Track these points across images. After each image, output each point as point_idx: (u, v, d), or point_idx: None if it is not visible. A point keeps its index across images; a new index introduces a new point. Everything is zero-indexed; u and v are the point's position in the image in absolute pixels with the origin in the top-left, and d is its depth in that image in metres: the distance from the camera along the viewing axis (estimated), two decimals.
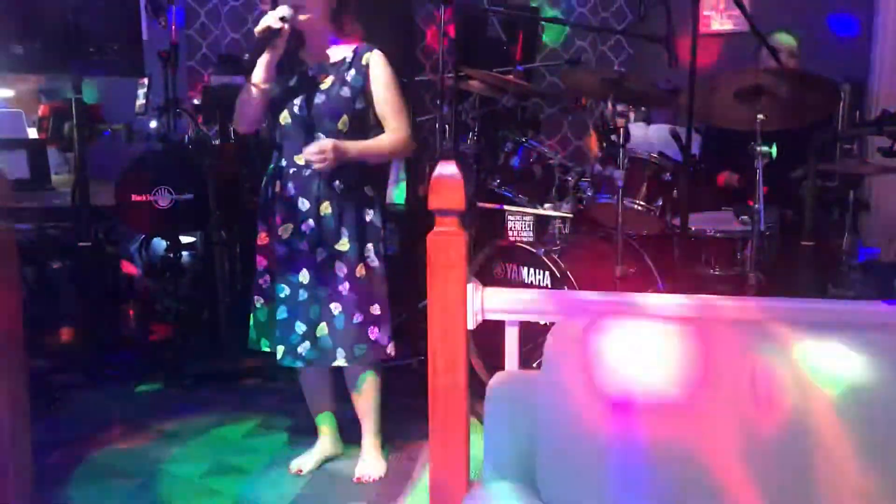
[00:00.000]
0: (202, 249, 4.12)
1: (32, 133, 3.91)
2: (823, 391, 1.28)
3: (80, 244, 3.50)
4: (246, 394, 3.48)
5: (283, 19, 2.40)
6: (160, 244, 4.00)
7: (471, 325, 1.59)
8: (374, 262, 2.57)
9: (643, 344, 1.35)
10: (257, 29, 2.43)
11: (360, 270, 2.54)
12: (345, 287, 2.53)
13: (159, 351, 3.85)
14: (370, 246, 2.57)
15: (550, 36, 4.95)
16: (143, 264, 4.19)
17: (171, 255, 3.77)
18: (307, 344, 2.55)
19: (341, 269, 2.53)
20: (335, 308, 2.53)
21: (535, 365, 2.27)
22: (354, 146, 2.48)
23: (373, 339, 2.57)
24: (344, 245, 2.53)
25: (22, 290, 2.02)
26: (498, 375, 1.59)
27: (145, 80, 3.98)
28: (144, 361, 3.75)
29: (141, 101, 4.06)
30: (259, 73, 2.46)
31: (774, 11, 4.57)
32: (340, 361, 2.56)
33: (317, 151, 2.40)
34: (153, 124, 4.01)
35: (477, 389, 1.68)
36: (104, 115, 4.03)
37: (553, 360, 1.39)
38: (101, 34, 3.29)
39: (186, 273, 4.10)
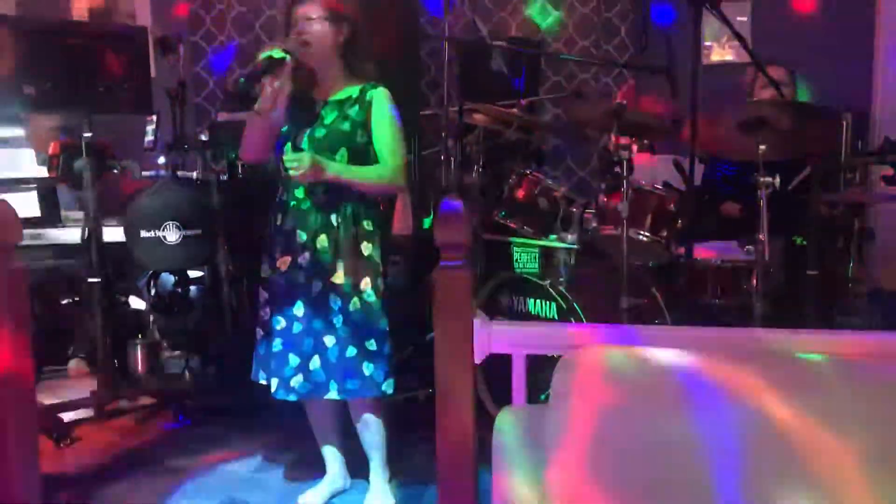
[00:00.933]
0: (210, 284, 4.14)
1: (43, 171, 3.95)
2: (830, 428, 1.29)
3: (90, 280, 3.52)
4: (253, 428, 3.48)
5: (286, 51, 2.44)
6: (168, 279, 4.03)
7: (478, 360, 1.60)
8: (371, 296, 2.55)
9: (652, 378, 1.35)
10: (258, 57, 2.45)
11: (355, 304, 2.53)
12: (339, 320, 2.52)
13: (167, 386, 3.85)
14: (367, 280, 2.55)
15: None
16: (151, 299, 4.21)
17: (179, 289, 3.79)
18: (300, 377, 2.54)
19: (336, 303, 2.52)
20: (328, 341, 2.53)
21: (542, 397, 2.27)
22: (334, 165, 2.47)
23: (367, 374, 2.54)
24: (339, 278, 2.52)
25: (31, 326, 2.04)
26: (505, 410, 1.60)
27: (154, 117, 4.04)
28: (152, 397, 3.75)
29: (150, 137, 4.12)
30: (260, 102, 2.48)
31: (775, 42, 4.62)
32: (332, 395, 2.54)
33: (294, 159, 2.41)
34: (162, 160, 4.06)
35: (484, 422, 1.69)
36: (114, 152, 4.08)
37: (561, 395, 1.40)
38: (110, 73, 3.33)
39: (194, 307, 4.12)
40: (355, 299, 2.53)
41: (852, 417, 1.31)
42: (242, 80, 2.42)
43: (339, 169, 2.49)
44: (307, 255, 2.54)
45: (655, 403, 1.34)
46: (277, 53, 2.42)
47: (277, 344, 2.58)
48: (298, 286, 2.55)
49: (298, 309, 2.55)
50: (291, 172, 2.42)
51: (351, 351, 2.53)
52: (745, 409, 1.32)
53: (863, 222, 3.55)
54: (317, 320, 2.54)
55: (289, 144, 2.56)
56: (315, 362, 2.54)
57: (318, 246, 2.53)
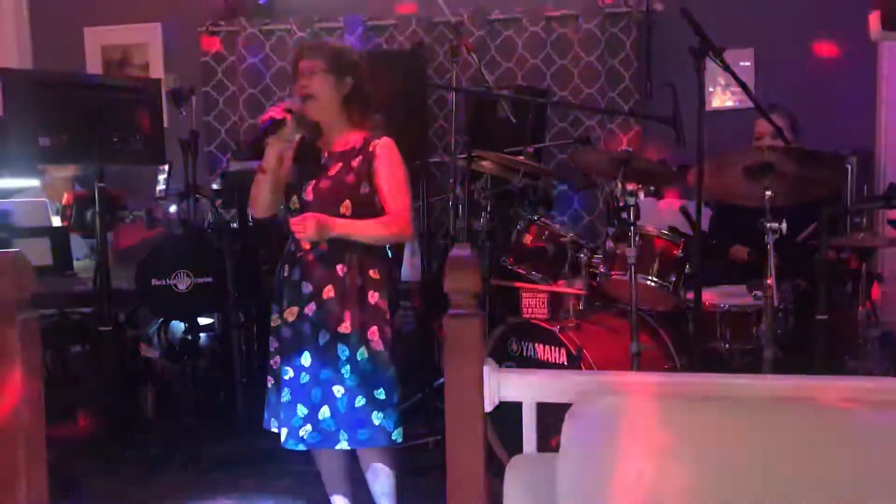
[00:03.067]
0: (220, 331, 4.16)
1: (56, 221, 4.01)
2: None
3: (101, 328, 3.54)
4: (263, 476, 3.46)
5: (288, 111, 2.49)
6: (178, 326, 4.05)
7: (488, 408, 1.60)
8: (379, 345, 2.55)
9: (662, 426, 1.35)
10: (260, 117, 2.52)
11: (363, 354, 2.53)
12: (347, 370, 2.52)
13: (177, 434, 3.84)
14: (374, 329, 2.55)
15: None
16: (161, 347, 4.23)
17: (189, 337, 3.80)
18: (308, 427, 2.53)
19: (343, 353, 2.52)
20: (337, 391, 2.52)
21: (552, 443, 2.26)
22: (341, 222, 2.50)
23: (376, 424, 2.53)
24: (346, 328, 2.52)
25: (43, 375, 2.05)
26: (516, 459, 1.60)
27: (166, 167, 4.10)
28: (162, 445, 3.74)
29: (161, 186, 4.17)
30: (265, 160, 2.53)
31: (779, 86, 4.68)
32: (343, 445, 2.53)
33: (298, 221, 2.45)
34: (173, 209, 4.11)
35: (495, 469, 1.68)
36: (126, 201, 4.14)
37: (572, 443, 1.40)
38: (124, 125, 3.39)
39: (204, 355, 4.13)
40: (363, 348, 2.53)
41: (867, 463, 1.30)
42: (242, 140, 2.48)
43: (344, 225, 2.51)
44: (313, 305, 2.55)
45: (667, 454, 1.34)
46: (279, 114, 2.48)
47: (286, 394, 2.57)
48: (305, 337, 2.56)
49: (306, 359, 2.55)
50: (298, 236, 2.48)
51: (360, 400, 2.52)
52: (757, 459, 1.32)
53: (871, 266, 3.55)
54: (325, 370, 2.53)
55: (294, 197, 2.60)
56: (324, 412, 2.53)
57: (325, 297, 2.54)
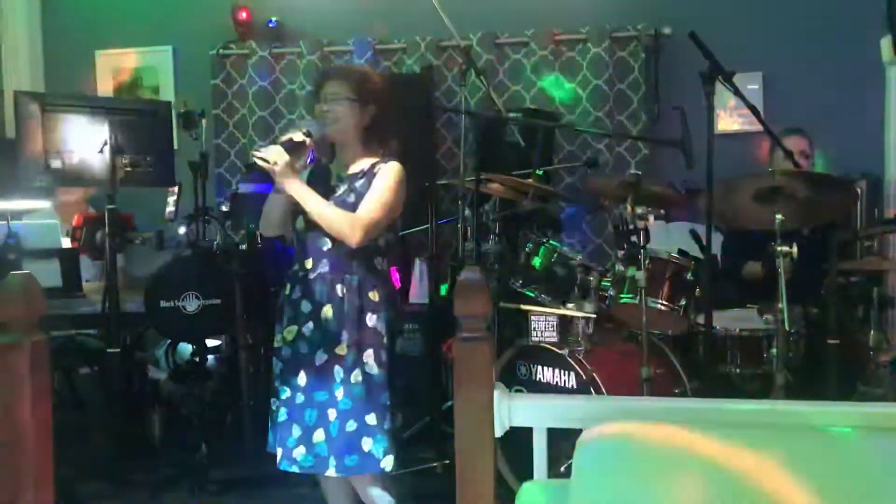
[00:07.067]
0: (228, 353, 4.15)
1: (66, 242, 4.01)
2: None
3: (109, 350, 3.53)
4: (270, 499, 3.44)
5: (307, 134, 2.50)
6: (186, 348, 4.03)
7: (498, 434, 1.59)
8: (374, 369, 2.52)
9: (674, 452, 1.34)
10: (281, 139, 2.52)
11: (357, 377, 2.50)
12: (340, 393, 2.50)
13: (184, 457, 3.83)
14: (370, 352, 2.52)
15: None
16: (169, 368, 4.22)
17: (197, 359, 3.80)
18: (302, 449, 2.51)
19: (339, 374, 2.51)
20: (331, 414, 2.50)
21: (562, 469, 2.24)
22: (302, 185, 2.48)
23: (365, 450, 2.49)
24: (342, 349, 2.51)
25: (51, 398, 2.04)
26: (526, 486, 1.58)
27: (175, 189, 4.11)
28: (169, 467, 3.72)
29: (171, 208, 4.18)
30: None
31: (787, 109, 4.68)
32: (331, 472, 2.50)
33: (266, 154, 2.43)
34: (182, 230, 4.11)
35: (505, 495, 1.67)
36: (135, 222, 4.14)
37: (583, 470, 1.39)
38: (134, 148, 3.41)
39: (212, 377, 4.12)
40: (357, 371, 2.51)
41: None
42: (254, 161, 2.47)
43: (303, 188, 2.48)
44: (311, 324, 2.55)
45: (679, 480, 1.32)
46: (298, 137, 2.48)
47: (282, 414, 2.57)
48: (302, 356, 2.55)
49: (302, 379, 2.54)
50: (259, 162, 2.43)
51: (351, 425, 2.49)
52: (770, 485, 1.30)
53: (882, 290, 3.53)
54: (319, 391, 2.52)
55: (300, 217, 2.59)
56: (318, 435, 2.51)
57: (324, 316, 2.53)
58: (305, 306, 2.56)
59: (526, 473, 1.66)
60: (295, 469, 2.54)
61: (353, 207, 2.52)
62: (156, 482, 3.59)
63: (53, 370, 3.77)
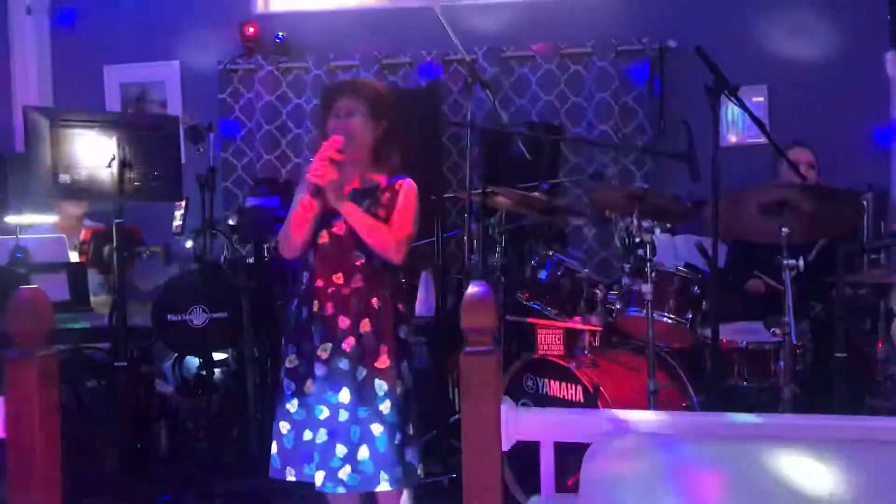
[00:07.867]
0: (234, 367, 4.15)
1: (74, 256, 4.03)
2: None
3: (116, 364, 3.54)
4: None
5: (341, 151, 2.49)
6: (193, 362, 4.04)
7: (505, 447, 1.59)
8: (410, 379, 2.56)
9: (682, 466, 1.34)
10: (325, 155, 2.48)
11: (399, 388, 2.51)
12: (386, 406, 2.48)
13: (191, 470, 3.83)
14: (405, 363, 2.56)
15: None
16: (176, 382, 4.22)
17: (204, 372, 3.80)
18: (348, 468, 2.46)
19: (382, 388, 2.49)
20: (376, 429, 2.47)
21: (569, 483, 2.24)
22: (351, 204, 2.49)
23: (408, 461, 2.51)
24: (384, 362, 2.50)
25: (59, 412, 2.05)
26: (534, 500, 1.58)
27: (182, 202, 4.12)
28: (176, 481, 3.72)
29: (178, 222, 4.19)
30: (311, 195, 2.49)
31: (794, 122, 4.68)
32: (384, 486, 2.46)
33: (318, 167, 2.43)
34: (189, 244, 4.13)
35: None
36: (142, 236, 4.16)
37: (591, 485, 1.38)
38: (142, 162, 3.42)
39: (218, 390, 4.12)
40: (398, 383, 2.52)
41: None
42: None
43: (352, 207, 2.49)
44: (352, 340, 2.50)
45: (688, 494, 1.32)
46: (336, 155, 2.46)
47: (322, 434, 2.49)
48: (342, 373, 2.49)
49: (344, 396, 2.48)
50: (309, 176, 2.43)
51: (398, 438, 2.49)
52: (780, 499, 1.30)
53: (889, 303, 3.52)
54: (362, 407, 2.48)
55: (322, 231, 2.56)
56: (363, 452, 2.47)
57: (362, 331, 2.51)
58: (343, 321, 2.52)
59: (533, 488, 1.66)
60: (341, 490, 2.47)
61: (384, 221, 2.54)
62: (162, 495, 3.59)
63: (60, 383, 3.77)
